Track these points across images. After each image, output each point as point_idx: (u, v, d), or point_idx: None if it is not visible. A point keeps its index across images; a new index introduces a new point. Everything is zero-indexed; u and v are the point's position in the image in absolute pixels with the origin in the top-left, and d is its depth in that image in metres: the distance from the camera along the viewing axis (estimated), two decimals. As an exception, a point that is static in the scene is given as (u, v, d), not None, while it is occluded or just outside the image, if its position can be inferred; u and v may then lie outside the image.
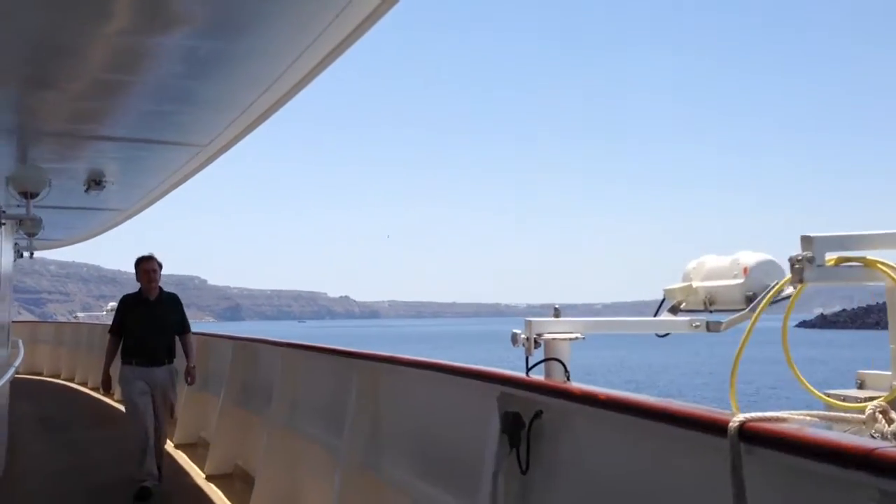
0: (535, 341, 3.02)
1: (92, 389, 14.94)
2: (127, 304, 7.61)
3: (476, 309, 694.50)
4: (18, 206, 8.59)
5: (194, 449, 8.90)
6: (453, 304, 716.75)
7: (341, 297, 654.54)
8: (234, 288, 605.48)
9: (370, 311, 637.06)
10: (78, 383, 16.39)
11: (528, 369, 3.06)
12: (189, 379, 7.60)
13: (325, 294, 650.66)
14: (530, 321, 3.06)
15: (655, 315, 3.47)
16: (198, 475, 7.81)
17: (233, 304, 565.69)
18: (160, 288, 7.58)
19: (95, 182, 8.91)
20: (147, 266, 7.47)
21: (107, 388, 7.71)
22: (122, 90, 5.90)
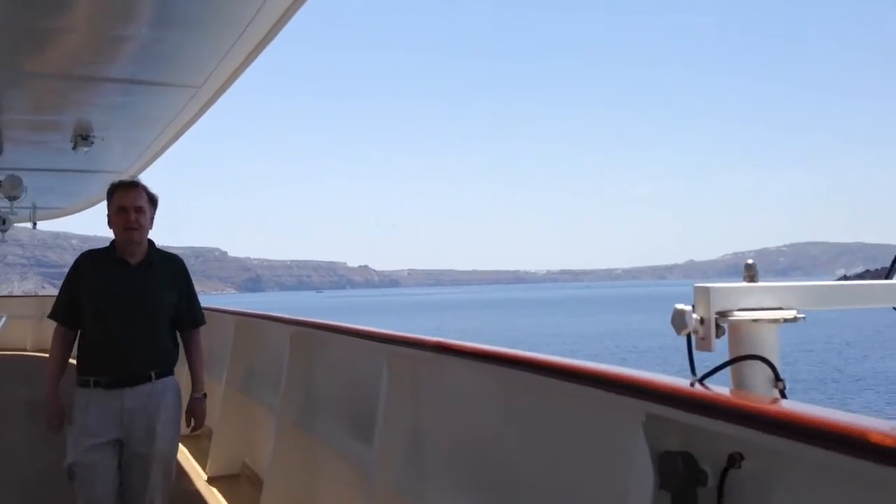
0: (717, 323, 1.89)
1: None
2: (85, 270, 4.07)
3: (496, 276, 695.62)
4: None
5: (198, 442, 7.60)
6: (473, 272, 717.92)
7: (361, 266, 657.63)
8: (255, 259, 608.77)
9: (390, 281, 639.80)
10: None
11: (705, 375, 1.85)
12: (193, 421, 4.27)
13: (345, 264, 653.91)
14: (707, 288, 1.91)
15: (889, 277, 2.28)
16: (199, 477, 6.61)
17: (253, 275, 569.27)
18: (150, 243, 4.09)
19: (83, 137, 8.06)
20: (124, 199, 3.92)
21: (57, 425, 3.99)
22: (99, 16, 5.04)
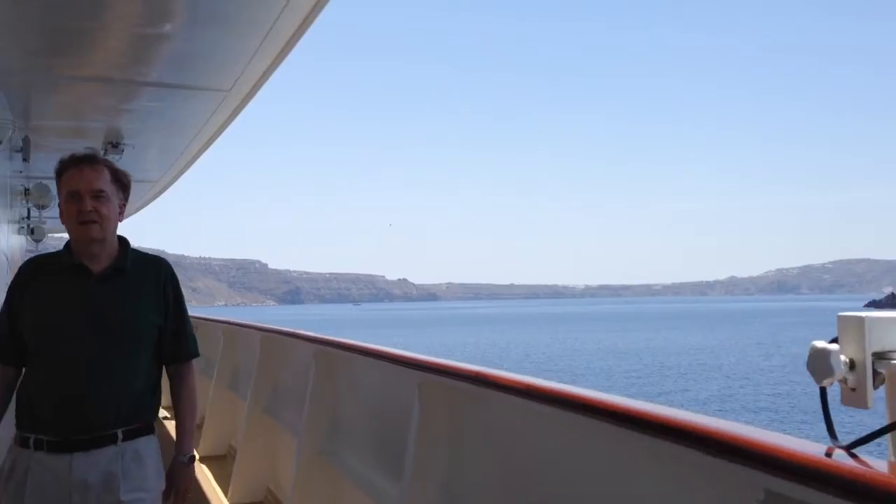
0: (874, 369, 1.32)
1: None
2: (28, 282, 2.86)
3: (534, 290, 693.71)
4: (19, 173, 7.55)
5: (221, 465, 7.19)
6: (511, 286, 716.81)
7: (399, 279, 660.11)
8: (294, 272, 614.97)
9: (428, 294, 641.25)
10: None
11: (856, 443, 1.26)
12: (173, 495, 2.93)
13: (384, 277, 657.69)
14: (861, 319, 1.35)
15: None
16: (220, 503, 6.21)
17: (293, 287, 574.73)
18: (123, 243, 2.92)
19: (113, 144, 7.91)
20: (77, 181, 2.77)
21: None
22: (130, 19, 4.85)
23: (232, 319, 7.72)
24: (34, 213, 10.11)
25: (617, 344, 71.57)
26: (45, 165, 9.02)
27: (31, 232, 10.56)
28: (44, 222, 10.70)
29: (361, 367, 4.33)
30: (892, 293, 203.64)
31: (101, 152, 7.96)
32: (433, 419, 3.04)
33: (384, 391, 4.00)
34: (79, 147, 8.92)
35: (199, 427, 7.57)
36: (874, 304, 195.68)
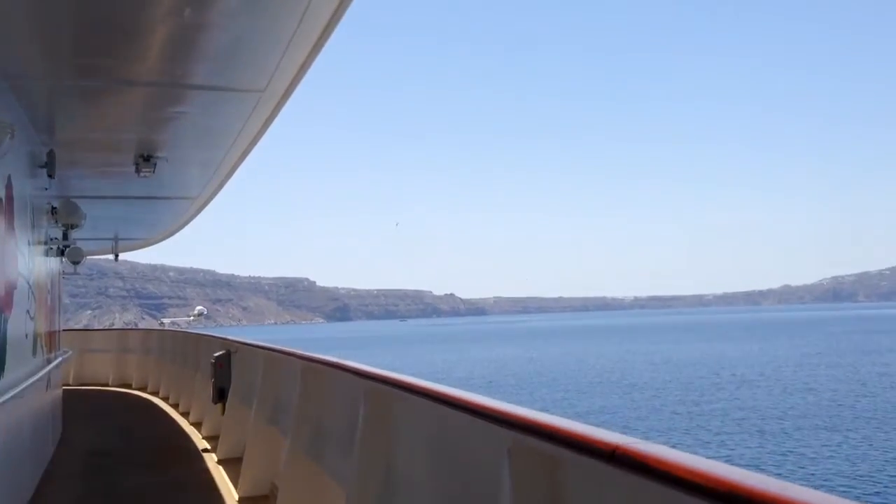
0: None
1: (171, 405, 13.75)
2: None
3: (582, 303, 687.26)
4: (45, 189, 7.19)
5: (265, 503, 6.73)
6: (559, 299, 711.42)
7: (446, 294, 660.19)
8: (342, 289, 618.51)
9: (476, 308, 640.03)
10: (161, 397, 15.25)
11: None
12: None
13: (431, 292, 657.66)
14: None
15: None
16: None
17: (341, 304, 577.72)
18: None
19: (145, 158, 7.56)
20: None
21: None
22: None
23: (273, 346, 7.17)
24: (68, 233, 9.67)
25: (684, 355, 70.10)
26: (74, 183, 8.70)
27: (62, 253, 9.93)
28: (73, 242, 10.07)
29: (423, 410, 3.45)
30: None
31: (133, 168, 7.58)
32: (530, 493, 2.28)
33: (456, 446, 3.15)
34: (109, 162, 8.44)
35: (239, 461, 7.12)
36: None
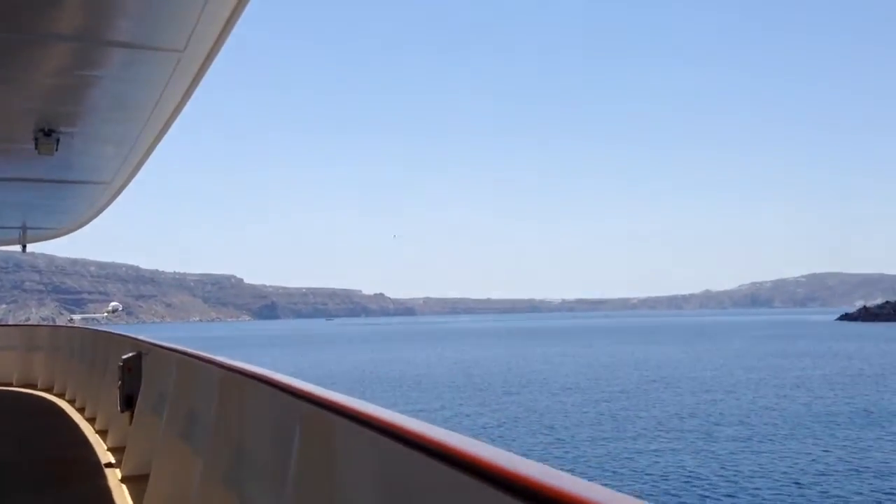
0: None
1: (77, 409, 12.72)
2: None
3: (511, 305, 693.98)
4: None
5: None
6: (488, 301, 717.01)
7: (376, 294, 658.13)
8: (270, 286, 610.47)
9: (405, 309, 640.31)
10: (68, 400, 14.05)
11: None
12: None
13: (360, 291, 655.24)
14: None
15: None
16: None
17: (269, 302, 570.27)
18: None
19: (45, 133, 6.74)
20: None
21: None
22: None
23: (189, 350, 6.26)
24: None
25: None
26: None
27: None
28: None
29: (378, 447, 2.72)
30: (864, 307, 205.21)
31: (33, 144, 6.79)
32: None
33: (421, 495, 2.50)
34: (5, 136, 7.50)
35: (146, 479, 6.25)
36: (847, 318, 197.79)
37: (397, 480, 2.61)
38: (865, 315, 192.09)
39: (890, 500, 19.56)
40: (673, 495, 19.93)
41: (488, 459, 1.79)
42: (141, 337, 8.59)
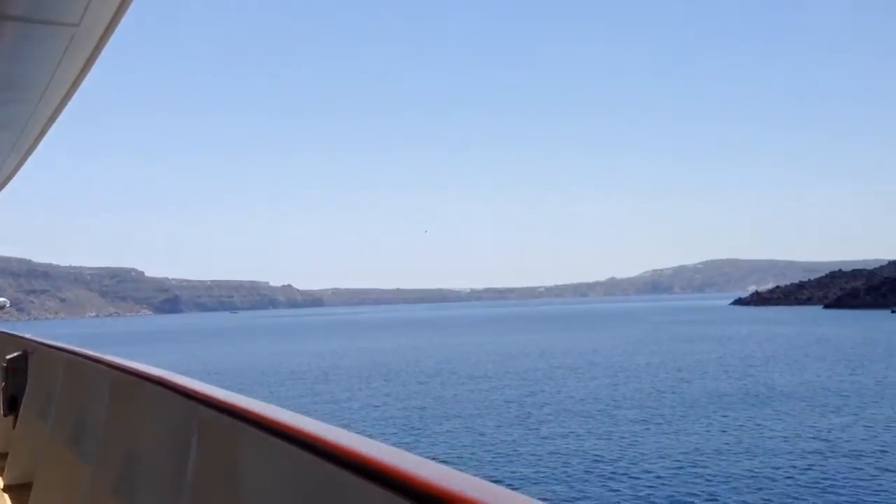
0: None
1: None
2: None
3: (420, 295, 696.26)
4: None
5: None
6: (397, 291, 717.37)
7: (284, 285, 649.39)
8: (173, 279, 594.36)
9: (313, 300, 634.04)
10: None
11: None
12: None
13: (267, 283, 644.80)
14: None
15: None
16: None
17: (171, 295, 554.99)
18: None
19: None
20: None
21: None
22: None
23: (78, 349, 5.86)
24: None
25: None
26: None
27: None
28: None
29: (289, 457, 2.45)
30: (756, 291, 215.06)
31: None
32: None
33: None
34: None
35: (30, 488, 5.88)
36: (740, 302, 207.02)
37: (308, 492, 2.43)
38: (757, 299, 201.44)
39: (781, 475, 20.61)
40: (578, 478, 20.43)
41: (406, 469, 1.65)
42: (27, 335, 8.19)
